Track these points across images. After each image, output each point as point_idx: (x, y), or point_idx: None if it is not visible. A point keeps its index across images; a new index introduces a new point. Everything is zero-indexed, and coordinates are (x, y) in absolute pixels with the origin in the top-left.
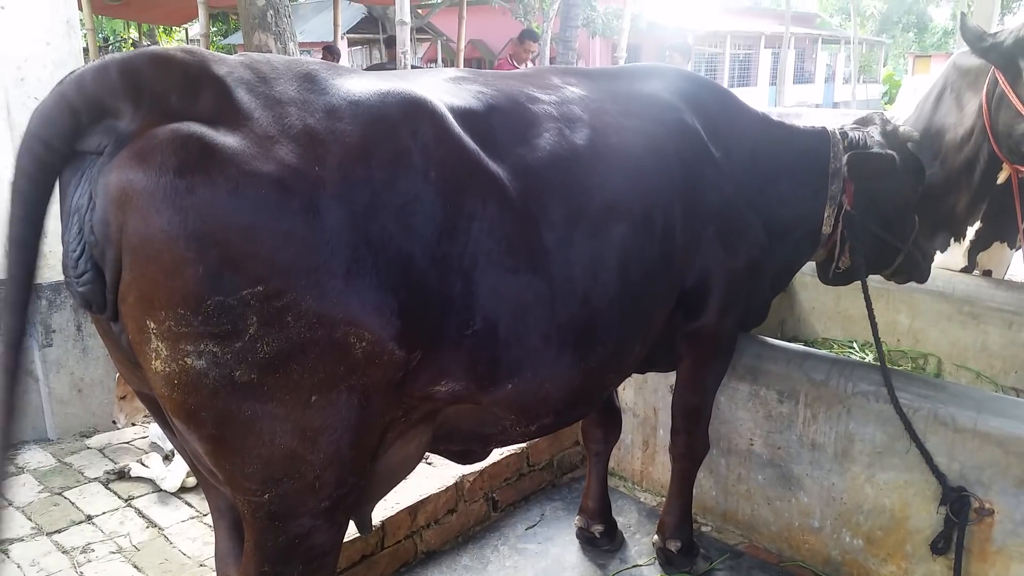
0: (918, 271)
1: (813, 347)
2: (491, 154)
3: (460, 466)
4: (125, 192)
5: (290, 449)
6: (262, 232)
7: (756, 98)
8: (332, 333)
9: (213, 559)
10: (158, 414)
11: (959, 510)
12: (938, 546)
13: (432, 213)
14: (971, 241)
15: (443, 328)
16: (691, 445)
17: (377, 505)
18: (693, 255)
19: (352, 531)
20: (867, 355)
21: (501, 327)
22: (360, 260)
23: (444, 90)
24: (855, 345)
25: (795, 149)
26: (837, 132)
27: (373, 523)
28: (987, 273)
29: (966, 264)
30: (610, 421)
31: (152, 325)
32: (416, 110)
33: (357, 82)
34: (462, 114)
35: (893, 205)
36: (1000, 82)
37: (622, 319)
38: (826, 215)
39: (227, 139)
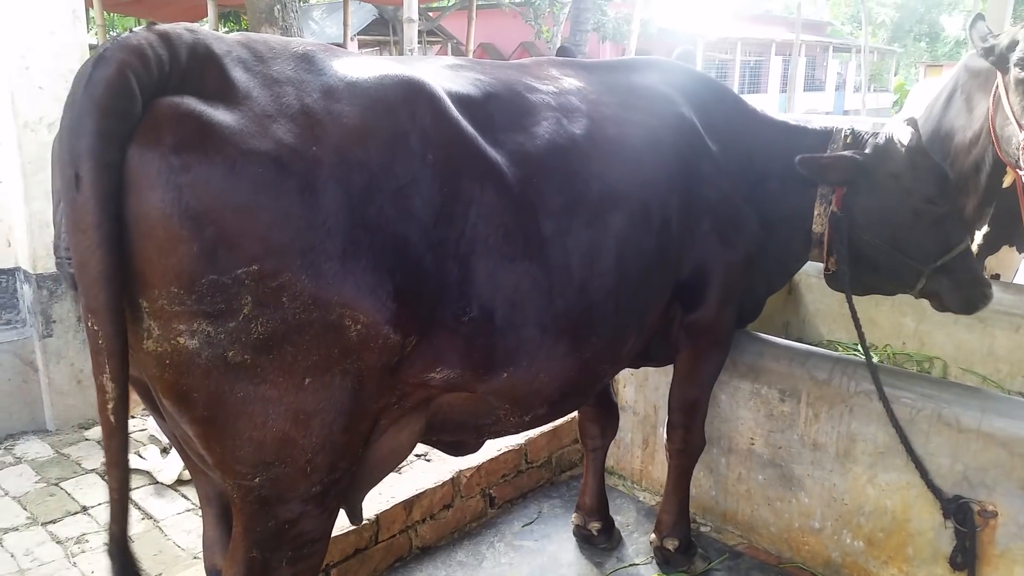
0: (954, 299)
1: None
2: (489, 140)
3: (457, 461)
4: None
5: (282, 432)
6: (258, 211)
7: (766, 105)
8: (327, 315)
9: None
10: (147, 399)
11: (963, 519)
12: (956, 561)
13: (429, 197)
14: (979, 245)
15: (439, 314)
16: (688, 440)
17: (372, 499)
18: (689, 247)
19: (346, 524)
20: (873, 357)
21: (497, 315)
22: (356, 242)
23: (442, 76)
24: (860, 348)
25: (791, 147)
26: (842, 132)
27: (367, 516)
28: (995, 277)
29: None
30: (607, 416)
31: (145, 304)
32: (414, 93)
33: (355, 64)
34: (460, 100)
35: (898, 216)
36: (999, 84)
37: (618, 309)
38: (816, 213)
39: (224, 117)
